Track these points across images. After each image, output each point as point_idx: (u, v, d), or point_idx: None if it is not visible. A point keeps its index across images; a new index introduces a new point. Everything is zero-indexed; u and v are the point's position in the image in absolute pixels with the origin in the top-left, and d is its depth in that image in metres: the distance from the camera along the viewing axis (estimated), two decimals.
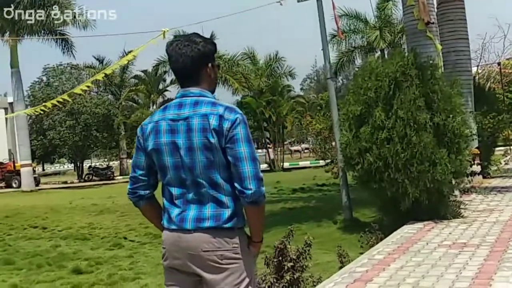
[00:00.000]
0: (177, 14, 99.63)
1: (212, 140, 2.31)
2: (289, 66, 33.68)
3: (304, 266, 5.28)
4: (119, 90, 37.34)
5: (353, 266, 5.68)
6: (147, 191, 2.52)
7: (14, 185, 31.71)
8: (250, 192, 2.29)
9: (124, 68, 38.71)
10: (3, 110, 31.05)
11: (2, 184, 33.17)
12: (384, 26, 27.92)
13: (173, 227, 2.41)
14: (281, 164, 30.97)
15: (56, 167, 64.19)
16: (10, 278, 7.78)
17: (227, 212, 2.36)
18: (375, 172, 7.78)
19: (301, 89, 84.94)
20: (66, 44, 27.09)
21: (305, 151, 48.50)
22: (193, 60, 2.42)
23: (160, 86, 33.22)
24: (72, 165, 49.49)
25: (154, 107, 32.17)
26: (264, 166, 32.75)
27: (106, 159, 50.46)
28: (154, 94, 31.98)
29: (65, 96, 18.69)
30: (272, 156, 31.40)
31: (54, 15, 24.01)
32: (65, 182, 37.48)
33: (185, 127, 2.35)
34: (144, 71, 34.57)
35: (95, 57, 39.26)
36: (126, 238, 10.74)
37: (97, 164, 45.89)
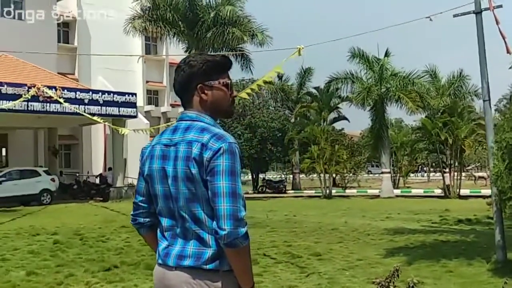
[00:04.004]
0: (350, 24, 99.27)
1: (193, 171, 2.09)
2: (475, 85, 31.32)
3: None
4: (295, 105, 38.16)
5: None
6: (147, 219, 2.37)
7: None
8: (223, 233, 2.02)
9: (301, 85, 39.50)
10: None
11: None
12: None
13: (160, 261, 2.25)
14: (457, 190, 28.74)
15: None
16: (143, 283, 8.17)
17: (208, 252, 2.11)
18: None
19: (496, 110, 78.51)
20: (245, 61, 28.42)
21: None
22: (180, 84, 2.27)
23: (332, 103, 33.19)
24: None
25: (325, 123, 32.21)
26: (438, 191, 30.76)
27: (284, 173, 51.79)
28: (325, 111, 32.03)
29: None
30: (447, 182, 29.31)
31: (233, 33, 25.36)
32: None
33: (174, 153, 2.17)
34: (316, 88, 34.87)
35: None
36: (266, 255, 10.68)
37: (271, 176, 47.31)
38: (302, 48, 9.73)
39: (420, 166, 59.92)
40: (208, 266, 2.11)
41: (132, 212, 2.41)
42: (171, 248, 2.20)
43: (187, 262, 2.14)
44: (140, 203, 2.35)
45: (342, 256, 10.29)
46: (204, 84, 2.24)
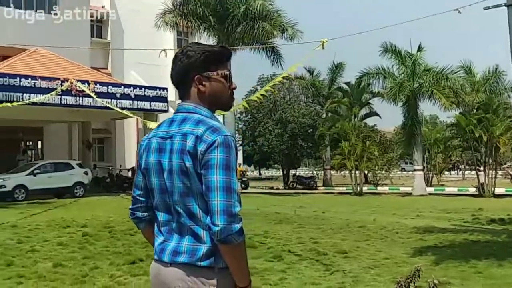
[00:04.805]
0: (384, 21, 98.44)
1: (188, 164, 2.03)
2: (511, 81, 30.61)
3: None
4: (326, 101, 37.88)
5: None
6: (145, 214, 2.31)
7: None
8: (216, 228, 1.96)
9: (332, 80, 39.15)
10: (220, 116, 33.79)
11: None
12: None
13: (155, 257, 2.20)
14: (492, 189, 28.08)
15: (272, 172, 67.52)
16: None
17: (203, 249, 2.05)
18: None
19: None
20: (275, 55, 28.31)
21: None
22: (177, 75, 2.21)
23: (363, 99, 32.77)
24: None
25: (356, 119, 31.83)
26: (472, 190, 30.13)
27: (316, 169, 51.52)
28: (356, 106, 31.63)
29: (244, 103, 19.79)
30: (482, 180, 28.67)
31: (263, 27, 25.29)
32: (272, 188, 39.13)
33: (169, 146, 2.11)
34: (348, 83, 34.52)
35: (305, 68, 40.47)
36: (291, 251, 10.60)
37: (302, 173, 47.06)
38: (326, 41, 9.59)
39: (455, 164, 58.82)
40: (202, 263, 2.05)
41: (130, 206, 2.36)
42: (167, 244, 2.15)
43: (181, 259, 2.08)
44: (138, 197, 2.31)
45: (368, 254, 10.13)
46: (202, 75, 2.16)
